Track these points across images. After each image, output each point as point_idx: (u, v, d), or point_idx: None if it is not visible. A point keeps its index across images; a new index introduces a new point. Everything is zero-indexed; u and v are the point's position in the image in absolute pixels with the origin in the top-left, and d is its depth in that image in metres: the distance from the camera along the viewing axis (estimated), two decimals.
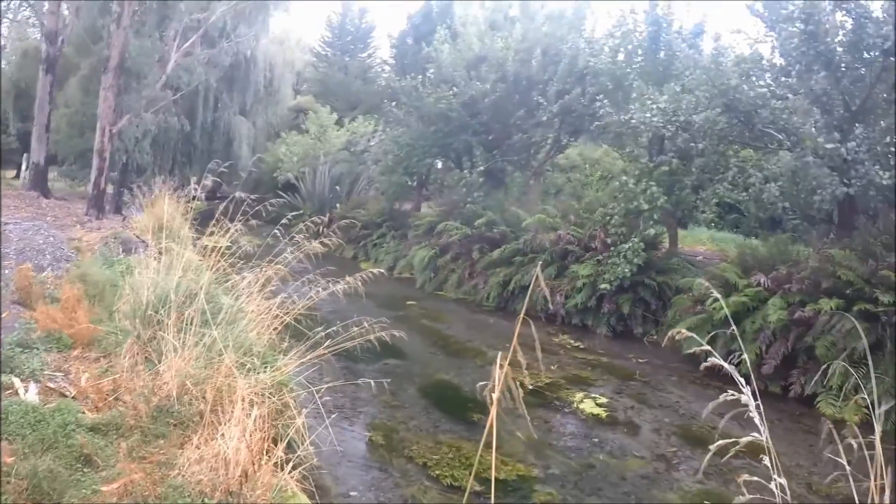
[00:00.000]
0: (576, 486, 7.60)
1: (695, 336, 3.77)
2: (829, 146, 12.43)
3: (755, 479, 3.55)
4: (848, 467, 3.72)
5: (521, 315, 2.68)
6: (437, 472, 7.47)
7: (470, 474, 7.31)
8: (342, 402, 9.15)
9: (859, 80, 13.34)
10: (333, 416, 7.69)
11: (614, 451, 8.66)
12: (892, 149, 12.55)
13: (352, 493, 6.82)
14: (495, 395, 2.58)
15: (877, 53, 12.79)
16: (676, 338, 3.59)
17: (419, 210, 25.17)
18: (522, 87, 21.03)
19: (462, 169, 23.43)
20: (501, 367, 2.62)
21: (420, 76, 23.16)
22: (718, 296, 7.93)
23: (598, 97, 18.10)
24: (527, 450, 8.35)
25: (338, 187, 31.34)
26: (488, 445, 2.71)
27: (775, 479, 2.60)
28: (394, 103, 23.92)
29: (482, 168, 21.93)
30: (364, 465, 7.68)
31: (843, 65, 13.19)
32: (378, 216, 25.26)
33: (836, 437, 4.09)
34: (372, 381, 6.60)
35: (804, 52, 13.21)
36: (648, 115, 14.86)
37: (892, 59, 12.59)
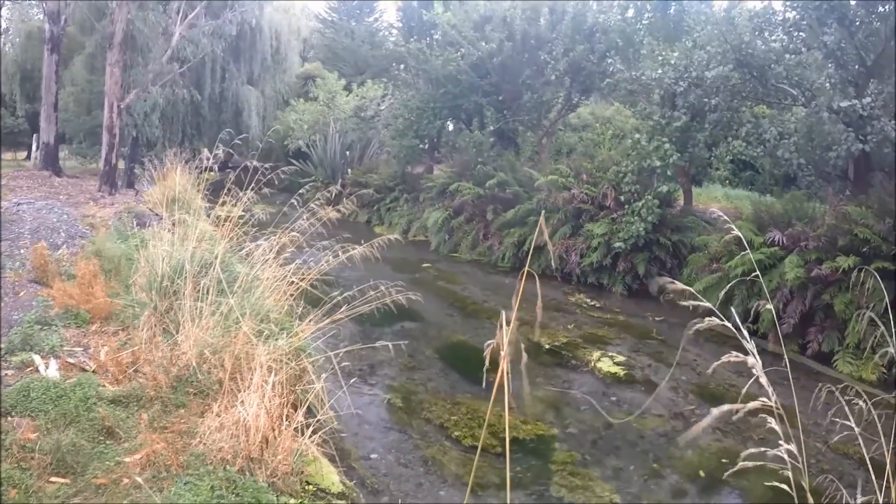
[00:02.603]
0: (594, 445, 7.64)
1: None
2: (843, 103, 12.26)
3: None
4: (857, 428, 3.74)
5: (525, 271, 2.66)
6: (457, 433, 7.52)
7: (490, 435, 7.35)
8: (360, 366, 9.20)
9: (874, 35, 13.15)
10: (352, 380, 7.75)
11: (632, 410, 8.68)
12: None
13: (372, 456, 6.87)
14: (503, 354, 2.56)
15: (892, 6, 12.60)
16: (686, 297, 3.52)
17: (431, 172, 25.06)
18: (531, 46, 20.79)
19: (473, 130, 23.29)
20: (506, 325, 2.60)
21: (427, 38, 23.01)
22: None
23: (607, 54, 17.95)
24: (545, 409, 8.40)
25: (349, 153, 31.28)
26: (507, 405, 2.72)
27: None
28: (402, 67, 23.76)
29: (493, 128, 21.82)
30: (383, 427, 7.74)
31: (857, 19, 12.99)
32: (390, 180, 25.26)
33: (839, 397, 4.10)
34: (389, 344, 6.63)
35: (817, 6, 13.03)
36: (660, 71, 14.72)
37: None
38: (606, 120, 26.70)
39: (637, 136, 15.57)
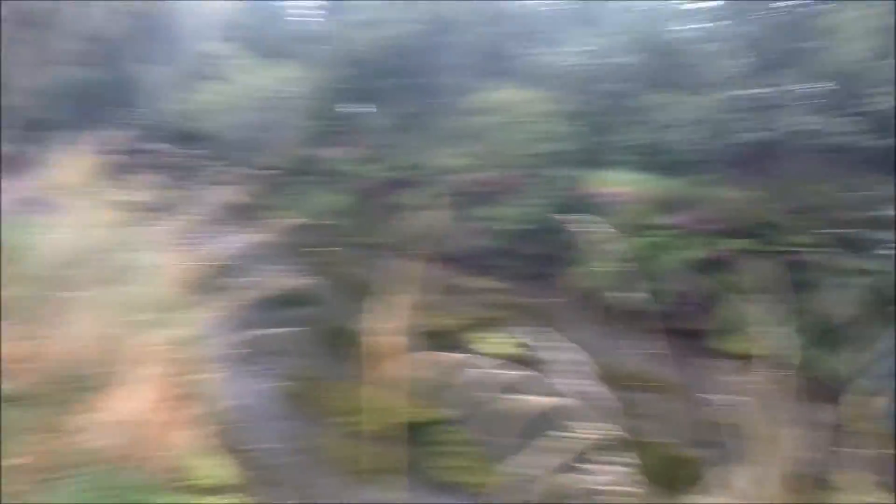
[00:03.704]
0: (488, 426, 7.78)
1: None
2: (749, 92, 12.77)
3: None
4: (742, 400, 3.96)
5: (422, 254, 2.76)
6: (349, 420, 7.56)
7: (384, 420, 7.42)
8: (254, 354, 9.15)
9: (785, 28, 13.67)
10: (245, 368, 7.76)
11: (526, 391, 8.81)
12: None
13: (264, 446, 6.89)
14: (392, 338, 2.65)
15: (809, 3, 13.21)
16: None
17: (339, 155, 24.87)
18: (445, 28, 20.79)
19: (381, 112, 23.24)
20: (393, 309, 2.68)
21: (341, 17, 22.81)
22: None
23: (522, 38, 18.07)
24: (439, 393, 8.48)
25: (259, 135, 30.86)
26: (401, 389, 2.82)
27: None
28: (316, 46, 23.49)
29: (403, 111, 21.79)
30: (275, 416, 7.75)
31: (772, 10, 13.49)
32: (299, 163, 24.90)
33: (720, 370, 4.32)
34: (284, 331, 6.65)
35: None
36: (573, 57, 14.93)
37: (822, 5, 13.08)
38: (518, 104, 26.82)
39: (546, 120, 15.75)
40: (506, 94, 27.01)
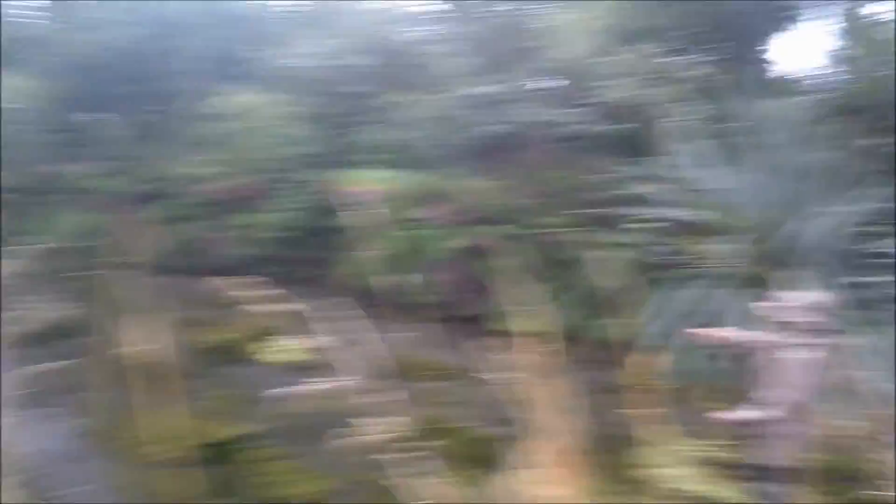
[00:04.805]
0: (299, 434, 7.78)
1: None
2: (480, 89, 13.64)
3: None
4: (527, 376, 4.25)
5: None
6: (157, 448, 7.22)
7: (187, 444, 7.14)
8: (35, 394, 8.49)
9: (511, 28, 14.85)
10: (31, 410, 7.24)
11: (326, 395, 8.80)
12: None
13: (73, 489, 6.45)
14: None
15: None
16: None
17: (81, 171, 22.76)
18: (173, 30, 19.79)
19: (120, 121, 21.85)
20: (167, 329, 2.63)
21: (62, 19, 21.34)
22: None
23: (255, 41, 17.97)
24: (241, 408, 8.31)
25: None
26: (195, 410, 2.76)
27: None
28: (36, 51, 21.68)
29: (141, 119, 20.71)
30: (76, 457, 7.27)
31: (495, 12, 14.50)
32: (36, 182, 22.36)
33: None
34: (61, 365, 6.24)
35: None
36: (308, 59, 14.98)
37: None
38: (259, 108, 26.09)
39: (289, 123, 15.79)
40: (245, 99, 26.46)
